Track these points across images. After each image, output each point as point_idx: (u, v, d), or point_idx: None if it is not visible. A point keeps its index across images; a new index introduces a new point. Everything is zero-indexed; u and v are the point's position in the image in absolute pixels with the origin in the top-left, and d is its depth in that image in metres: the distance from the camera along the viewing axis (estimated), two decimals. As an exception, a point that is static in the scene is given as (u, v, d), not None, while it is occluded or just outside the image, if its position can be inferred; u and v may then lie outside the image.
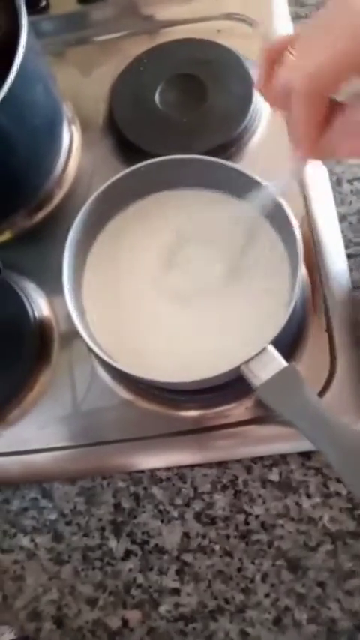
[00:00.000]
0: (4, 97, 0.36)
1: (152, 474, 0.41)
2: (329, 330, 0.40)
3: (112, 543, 0.40)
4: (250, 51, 0.50)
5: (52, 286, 0.45)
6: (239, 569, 0.38)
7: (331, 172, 0.46)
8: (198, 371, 0.34)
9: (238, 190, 0.40)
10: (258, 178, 0.37)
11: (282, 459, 0.40)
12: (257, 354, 0.34)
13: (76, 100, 0.51)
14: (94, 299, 0.40)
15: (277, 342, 0.34)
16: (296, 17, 0.53)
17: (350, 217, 0.45)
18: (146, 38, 0.53)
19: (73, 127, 0.50)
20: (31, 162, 0.46)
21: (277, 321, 0.35)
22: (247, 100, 0.46)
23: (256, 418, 0.40)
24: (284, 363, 0.34)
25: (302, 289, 0.41)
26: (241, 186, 0.38)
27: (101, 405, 0.42)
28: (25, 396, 0.42)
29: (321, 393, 0.38)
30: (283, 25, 0.52)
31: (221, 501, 0.40)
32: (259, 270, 0.39)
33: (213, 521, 0.39)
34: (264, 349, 0.34)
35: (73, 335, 0.43)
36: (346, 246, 0.44)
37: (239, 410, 0.40)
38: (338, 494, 0.39)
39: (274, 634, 0.37)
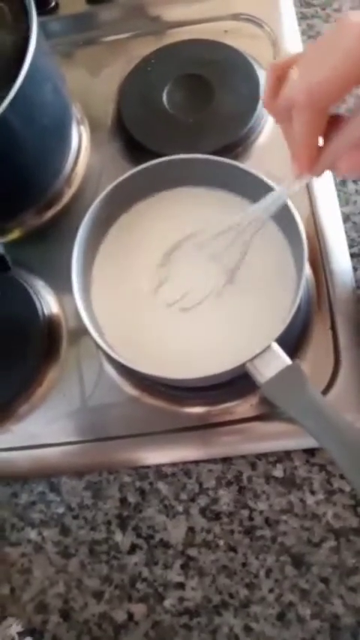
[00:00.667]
0: (14, 97, 0.37)
1: (158, 470, 0.41)
2: (333, 329, 0.40)
3: (118, 537, 0.41)
4: (256, 51, 0.50)
5: (60, 284, 0.45)
6: (243, 565, 0.39)
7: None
8: (203, 368, 0.35)
9: (244, 190, 0.40)
10: (264, 178, 0.37)
11: (286, 455, 0.40)
12: (262, 352, 0.34)
13: (85, 100, 0.52)
14: (102, 296, 0.41)
15: (282, 340, 0.35)
16: (302, 17, 0.53)
17: (354, 217, 0.45)
18: (154, 39, 0.54)
19: (82, 127, 0.51)
20: (40, 161, 0.46)
21: (281, 319, 0.35)
22: (254, 100, 0.47)
23: (261, 415, 0.40)
24: (288, 361, 0.34)
25: (307, 288, 0.41)
26: (247, 185, 0.39)
27: (108, 401, 0.42)
28: (33, 392, 0.43)
29: (325, 391, 0.38)
30: (289, 25, 0.52)
31: (226, 497, 0.40)
32: (265, 269, 0.39)
33: (217, 516, 0.40)
34: (269, 347, 0.34)
35: (81, 332, 0.44)
36: (350, 246, 0.44)
37: (244, 407, 0.40)
38: (342, 491, 0.39)
39: (277, 629, 0.37)
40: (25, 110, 0.40)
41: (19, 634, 0.39)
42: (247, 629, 0.37)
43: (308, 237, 0.37)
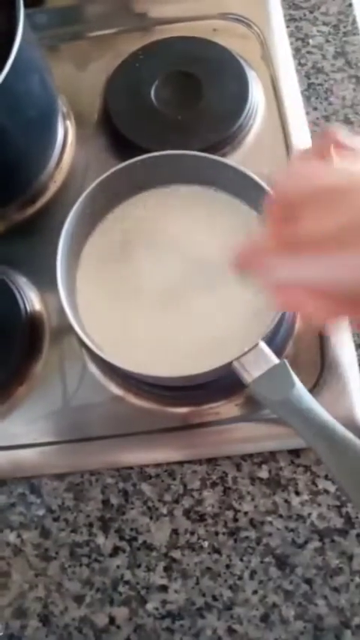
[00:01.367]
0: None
1: (141, 471, 0.41)
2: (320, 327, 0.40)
3: (100, 540, 0.40)
4: (245, 50, 0.50)
5: (43, 281, 0.44)
6: (227, 566, 0.38)
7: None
8: (190, 366, 0.34)
9: (232, 187, 0.40)
10: (252, 175, 0.37)
11: (271, 456, 0.40)
12: (249, 351, 0.34)
13: (71, 94, 0.51)
14: (86, 293, 0.40)
15: (269, 339, 0.34)
16: (290, 19, 0.54)
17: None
18: (141, 35, 0.53)
19: (68, 122, 0.50)
20: (24, 154, 0.45)
21: (269, 317, 0.35)
22: (242, 99, 0.47)
23: (246, 415, 0.40)
24: (276, 360, 0.34)
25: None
26: (236, 183, 0.38)
27: (91, 401, 0.42)
28: (14, 391, 0.42)
29: (312, 390, 0.38)
30: (277, 26, 0.52)
31: (210, 498, 0.40)
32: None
33: (202, 518, 0.39)
34: (256, 345, 0.34)
35: (64, 330, 0.43)
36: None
37: (229, 407, 0.40)
38: (326, 491, 0.39)
39: (261, 631, 0.37)
40: (10, 101, 0.39)
41: (-3, 639, 0.38)
42: (231, 631, 0.37)
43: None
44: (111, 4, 0.56)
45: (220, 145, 0.46)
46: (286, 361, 0.34)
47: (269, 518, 0.39)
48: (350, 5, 0.54)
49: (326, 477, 0.39)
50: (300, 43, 0.53)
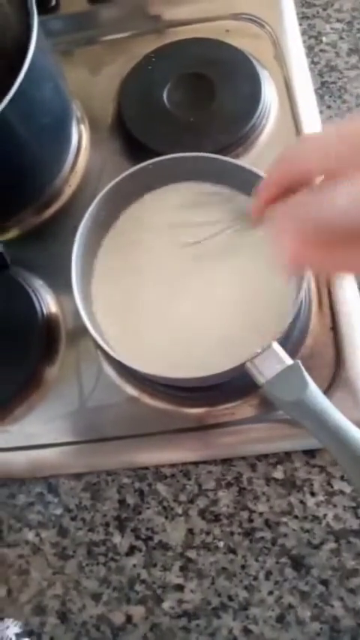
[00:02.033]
0: (14, 95, 0.37)
1: (157, 471, 0.41)
2: (334, 328, 0.40)
3: (117, 539, 0.40)
4: (258, 51, 0.50)
5: (59, 283, 0.45)
6: (243, 567, 0.38)
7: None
8: (203, 367, 0.34)
9: (245, 187, 0.40)
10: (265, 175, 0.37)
11: (286, 456, 0.40)
12: (262, 351, 0.34)
13: (85, 99, 0.52)
14: (102, 295, 0.40)
15: (283, 340, 0.34)
16: (303, 17, 0.53)
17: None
18: (154, 38, 0.54)
19: (82, 126, 0.51)
20: (39, 159, 0.46)
21: (282, 318, 0.35)
22: (255, 100, 0.47)
23: (261, 416, 0.40)
24: (289, 361, 0.34)
25: (308, 287, 0.41)
26: (249, 183, 0.38)
27: (107, 402, 0.42)
28: (31, 392, 0.43)
29: (326, 391, 0.38)
30: (290, 25, 0.52)
31: (225, 498, 0.40)
32: (265, 268, 0.39)
33: (217, 518, 0.39)
34: (269, 346, 0.34)
35: (80, 332, 0.43)
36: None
37: (244, 407, 0.40)
38: (342, 492, 0.39)
39: (277, 632, 0.37)
40: (25, 108, 0.40)
41: (17, 635, 0.39)
42: (247, 631, 0.37)
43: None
44: (125, 8, 0.56)
45: (233, 146, 0.46)
46: (299, 362, 0.34)
47: (284, 519, 0.39)
48: (364, 1, 0.53)
49: (342, 478, 0.39)
50: (313, 40, 0.53)
